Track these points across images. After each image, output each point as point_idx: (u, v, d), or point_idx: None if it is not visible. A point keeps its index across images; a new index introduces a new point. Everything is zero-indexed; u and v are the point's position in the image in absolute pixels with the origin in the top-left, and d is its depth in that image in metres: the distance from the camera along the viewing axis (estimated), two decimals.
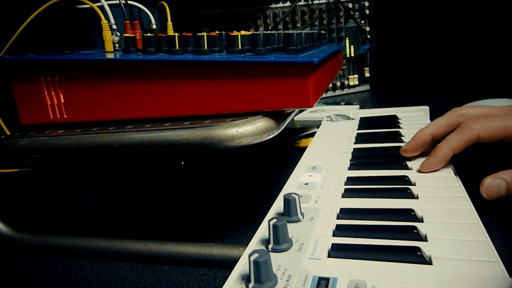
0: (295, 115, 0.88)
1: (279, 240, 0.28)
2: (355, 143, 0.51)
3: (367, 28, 1.12)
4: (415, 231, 0.29)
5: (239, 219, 0.47)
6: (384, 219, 0.31)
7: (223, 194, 0.57)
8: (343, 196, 0.36)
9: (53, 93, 0.41)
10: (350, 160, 0.45)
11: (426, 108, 0.63)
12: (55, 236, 0.44)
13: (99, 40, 0.46)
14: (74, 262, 0.42)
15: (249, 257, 0.24)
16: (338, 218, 0.32)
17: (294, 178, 0.41)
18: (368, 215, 0.32)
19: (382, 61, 1.16)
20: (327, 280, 0.24)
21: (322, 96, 0.91)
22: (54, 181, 0.60)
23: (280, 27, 1.05)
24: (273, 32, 0.43)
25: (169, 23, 0.53)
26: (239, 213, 0.49)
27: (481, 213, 0.31)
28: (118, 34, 0.46)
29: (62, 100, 0.41)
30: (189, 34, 0.41)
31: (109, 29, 0.44)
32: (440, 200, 0.33)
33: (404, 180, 0.38)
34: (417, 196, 0.35)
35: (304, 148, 0.50)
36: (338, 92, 1.13)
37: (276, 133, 0.37)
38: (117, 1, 0.51)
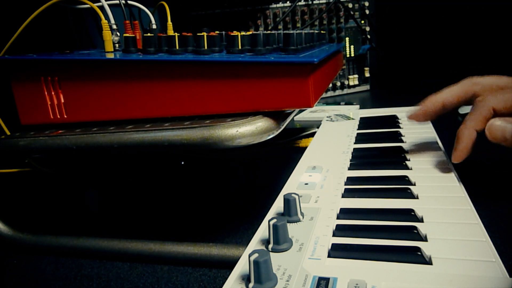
0: (295, 115, 0.88)
1: (279, 240, 0.28)
2: (355, 143, 0.51)
3: (367, 28, 1.12)
4: (415, 231, 0.29)
5: (239, 219, 0.47)
6: (384, 219, 0.31)
7: (223, 194, 0.57)
8: (343, 196, 0.36)
9: (53, 93, 0.41)
10: (350, 160, 0.45)
11: None
12: (55, 236, 0.44)
13: (99, 40, 0.46)
14: (74, 262, 0.42)
15: (249, 257, 0.24)
16: (338, 218, 0.32)
17: (294, 178, 0.41)
18: (368, 215, 0.32)
19: (382, 61, 1.16)
20: (327, 280, 0.24)
21: (322, 96, 0.91)
22: (54, 181, 0.60)
23: (280, 27, 1.05)
24: (273, 32, 0.43)
25: (169, 23, 0.53)
26: (239, 213, 0.49)
27: (481, 209, 0.31)
28: (118, 34, 0.46)
29: (62, 100, 0.41)
30: (189, 34, 0.41)
31: (109, 29, 0.45)
32: (440, 200, 0.33)
33: (404, 180, 0.38)
34: (417, 196, 0.35)
35: (304, 148, 0.50)
36: (338, 92, 1.13)
37: (276, 133, 0.37)
38: (117, 1, 0.51)
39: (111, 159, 0.65)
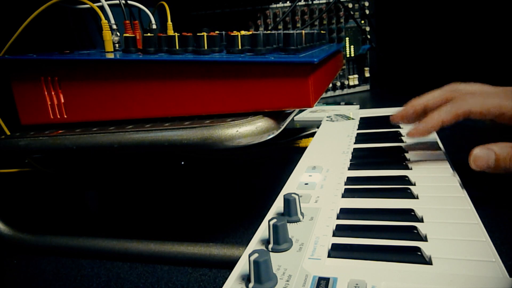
0: (295, 115, 0.88)
1: (279, 240, 0.28)
2: (355, 143, 0.51)
3: (367, 28, 1.12)
4: (415, 231, 0.29)
5: (239, 219, 0.47)
6: (384, 219, 0.31)
7: (223, 194, 0.57)
8: (343, 196, 0.36)
9: (53, 93, 0.41)
10: (350, 160, 0.45)
11: None
12: (55, 236, 0.44)
13: (99, 40, 0.46)
14: (74, 262, 0.42)
15: (249, 257, 0.24)
16: (338, 218, 0.32)
17: (294, 178, 0.41)
18: (368, 215, 0.32)
19: (382, 61, 1.16)
20: (327, 280, 0.24)
21: (322, 96, 0.91)
22: (54, 181, 0.60)
23: (280, 27, 1.05)
24: (273, 32, 0.43)
25: (169, 23, 0.53)
26: (239, 213, 0.49)
27: (481, 209, 0.31)
28: (118, 34, 0.46)
29: (62, 100, 0.41)
30: (189, 34, 0.41)
31: (109, 29, 0.44)
32: (440, 200, 0.33)
33: (404, 180, 0.38)
34: (417, 196, 0.35)
35: (304, 148, 0.50)
36: (338, 92, 1.13)
37: (276, 133, 0.37)
38: (117, 1, 0.51)
39: (111, 159, 0.65)
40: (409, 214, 0.31)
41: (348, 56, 1.12)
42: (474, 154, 0.36)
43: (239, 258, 0.28)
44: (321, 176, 0.40)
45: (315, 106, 0.59)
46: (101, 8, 0.46)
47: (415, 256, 0.26)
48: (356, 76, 1.14)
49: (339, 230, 0.30)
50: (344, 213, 0.33)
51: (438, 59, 1.14)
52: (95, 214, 0.56)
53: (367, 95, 1.12)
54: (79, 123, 0.42)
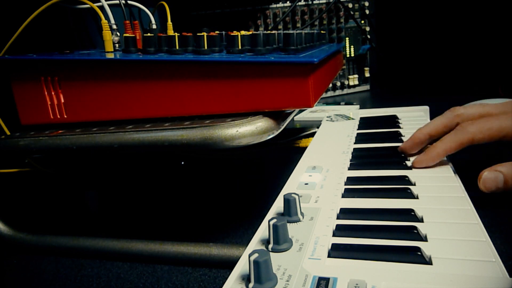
0: (295, 115, 0.88)
1: (279, 240, 0.28)
2: (355, 143, 0.51)
3: (367, 28, 1.12)
4: (415, 231, 0.29)
5: (239, 219, 0.47)
6: (384, 219, 0.31)
7: (223, 194, 0.57)
8: (343, 196, 0.36)
9: (53, 93, 0.41)
10: (350, 160, 0.45)
11: (426, 108, 0.63)
12: (55, 236, 0.44)
13: (99, 40, 0.46)
14: (74, 262, 0.42)
15: (249, 257, 0.24)
16: (338, 218, 0.32)
17: (294, 178, 0.41)
18: (368, 215, 0.32)
19: (382, 61, 1.16)
20: (327, 280, 0.24)
21: (322, 96, 0.91)
22: (54, 181, 0.60)
23: (280, 27, 1.05)
24: (273, 32, 0.43)
25: (169, 23, 0.53)
26: (239, 213, 0.49)
27: (481, 209, 0.31)
28: (118, 34, 0.46)
29: (62, 100, 0.41)
30: (189, 34, 0.41)
31: (109, 29, 0.44)
32: (440, 200, 0.33)
33: (404, 180, 0.38)
34: (417, 196, 0.35)
35: (304, 148, 0.50)
36: (338, 92, 1.13)
37: (276, 133, 0.37)
38: (117, 1, 0.51)
39: (111, 159, 0.65)
40: (409, 214, 0.31)
41: (348, 56, 1.12)
42: (483, 178, 0.37)
43: (239, 258, 0.28)
44: (321, 176, 0.40)
45: (315, 106, 0.59)
46: (101, 8, 0.46)
47: (415, 256, 0.26)
48: (356, 76, 1.14)
49: (339, 230, 0.30)
50: (344, 213, 0.33)
51: (438, 59, 1.14)
52: (95, 214, 0.56)
53: (367, 95, 1.12)
54: (79, 123, 0.42)
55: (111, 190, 0.64)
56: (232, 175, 0.65)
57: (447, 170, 0.39)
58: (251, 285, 0.24)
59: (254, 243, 0.29)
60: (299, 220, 0.31)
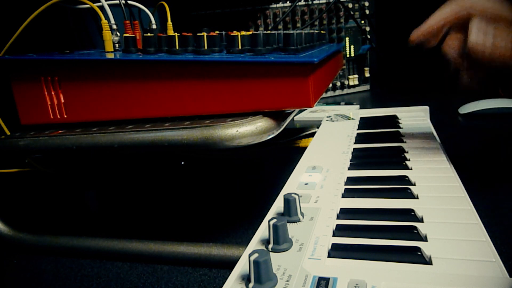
0: (295, 115, 0.88)
1: (279, 240, 0.28)
2: (355, 143, 0.51)
3: (367, 28, 1.12)
4: (415, 231, 0.29)
5: (239, 219, 0.47)
6: (384, 219, 0.31)
7: (223, 194, 0.57)
8: (343, 196, 0.36)
9: (53, 93, 0.41)
10: (350, 160, 0.45)
11: (426, 108, 0.63)
12: (55, 236, 0.44)
13: (99, 40, 0.46)
14: (74, 262, 0.42)
15: (249, 257, 0.24)
16: (338, 218, 0.32)
17: (294, 178, 0.41)
18: (368, 215, 0.32)
19: (382, 61, 1.16)
20: (327, 280, 0.24)
21: (322, 96, 0.91)
22: (54, 181, 0.60)
23: (280, 27, 1.05)
24: (273, 32, 0.43)
25: (169, 23, 0.53)
26: (239, 213, 0.49)
27: (480, 208, 0.31)
28: (118, 34, 0.46)
29: (62, 100, 0.41)
30: (189, 34, 0.41)
31: (109, 29, 0.44)
32: (440, 200, 0.33)
33: (404, 180, 0.38)
34: (417, 196, 0.35)
35: (304, 148, 0.50)
36: (338, 92, 1.13)
37: (276, 133, 0.37)
38: (117, 1, 0.51)
39: (111, 159, 0.65)
40: (409, 214, 0.31)
41: (348, 56, 1.12)
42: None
43: (239, 258, 0.28)
44: (321, 176, 0.40)
45: (315, 106, 0.59)
46: (101, 8, 0.46)
47: (415, 256, 0.26)
48: (356, 76, 1.14)
49: (339, 230, 0.30)
50: (344, 213, 0.33)
51: (438, 59, 1.14)
52: (95, 214, 0.56)
53: (367, 95, 1.12)
54: (79, 123, 0.42)
55: (111, 190, 0.64)
56: (232, 175, 0.65)
57: (447, 170, 0.39)
58: (251, 285, 0.24)
59: (254, 243, 0.29)
60: (299, 220, 0.31)
